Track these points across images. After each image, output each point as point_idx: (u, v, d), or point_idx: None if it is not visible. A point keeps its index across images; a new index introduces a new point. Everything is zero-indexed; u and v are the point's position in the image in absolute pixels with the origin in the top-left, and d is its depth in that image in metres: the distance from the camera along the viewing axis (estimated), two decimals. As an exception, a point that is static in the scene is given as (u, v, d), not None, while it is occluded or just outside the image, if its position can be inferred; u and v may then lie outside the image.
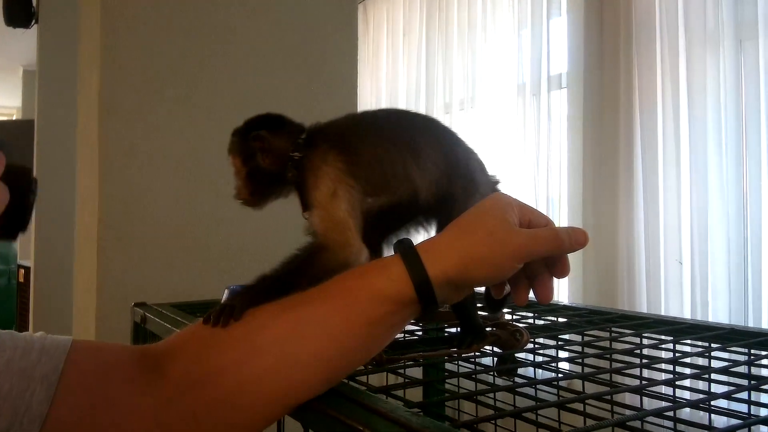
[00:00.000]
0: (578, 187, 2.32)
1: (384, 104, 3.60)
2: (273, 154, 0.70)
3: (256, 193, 0.75)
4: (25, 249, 4.99)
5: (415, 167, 0.69)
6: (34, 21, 3.67)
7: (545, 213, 2.19)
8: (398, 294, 0.54)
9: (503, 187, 0.80)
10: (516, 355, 0.74)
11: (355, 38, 1.87)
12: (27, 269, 4.13)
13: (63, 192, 3.35)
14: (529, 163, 2.55)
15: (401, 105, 3.45)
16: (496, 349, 0.74)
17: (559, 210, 2.44)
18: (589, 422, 0.50)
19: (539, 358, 0.74)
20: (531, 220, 0.58)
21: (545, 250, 0.56)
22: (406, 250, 0.56)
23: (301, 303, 0.56)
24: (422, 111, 3.23)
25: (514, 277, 0.58)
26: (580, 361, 0.75)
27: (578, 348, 0.81)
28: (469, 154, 0.77)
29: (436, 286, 0.54)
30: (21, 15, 3.63)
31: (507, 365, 0.72)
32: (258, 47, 1.73)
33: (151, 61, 1.61)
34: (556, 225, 0.60)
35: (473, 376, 0.64)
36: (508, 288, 0.61)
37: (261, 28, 1.73)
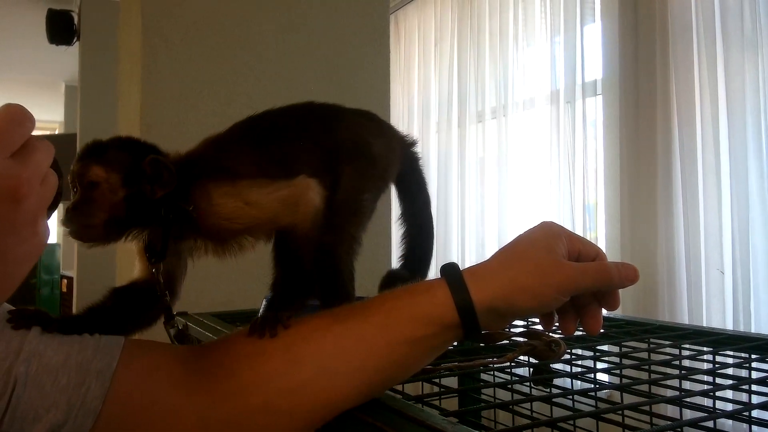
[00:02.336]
0: (615, 195, 2.29)
1: (416, 114, 3.61)
2: (160, 186, 0.62)
3: (113, 225, 0.62)
4: (67, 260, 5.14)
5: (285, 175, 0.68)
6: (75, 38, 3.81)
7: (582, 221, 2.15)
8: (441, 317, 0.54)
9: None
10: (552, 365, 0.73)
11: (387, 50, 1.89)
12: (70, 279, 4.25)
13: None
14: (564, 171, 2.53)
15: (433, 114, 3.46)
16: (531, 359, 0.74)
17: (597, 218, 2.41)
18: (627, 433, 0.50)
19: (576, 369, 0.73)
20: (580, 251, 0.58)
21: (593, 285, 0.56)
22: (452, 274, 0.56)
23: (344, 318, 0.57)
24: (454, 120, 3.24)
25: (561, 306, 0.58)
26: (617, 372, 0.75)
27: (616, 359, 0.81)
28: (355, 123, 0.75)
29: (480, 312, 0.54)
30: (63, 33, 3.77)
31: (543, 375, 0.71)
32: (290, 61, 1.76)
33: (188, 76, 1.65)
34: (604, 251, 0.60)
35: (509, 386, 0.64)
36: (556, 317, 0.60)
37: (293, 42, 1.76)
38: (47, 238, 0.48)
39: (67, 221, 0.61)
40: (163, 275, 0.65)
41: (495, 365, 0.73)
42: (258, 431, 0.56)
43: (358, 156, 0.72)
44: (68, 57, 4.11)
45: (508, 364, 0.73)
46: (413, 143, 0.80)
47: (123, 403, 0.54)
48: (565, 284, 0.54)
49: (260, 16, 1.75)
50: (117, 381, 0.54)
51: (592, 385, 0.67)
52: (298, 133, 0.73)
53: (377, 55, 1.87)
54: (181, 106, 1.63)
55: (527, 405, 0.62)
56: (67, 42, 3.79)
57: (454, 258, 3.20)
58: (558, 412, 0.59)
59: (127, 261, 1.70)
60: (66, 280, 4.64)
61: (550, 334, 0.78)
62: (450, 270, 0.56)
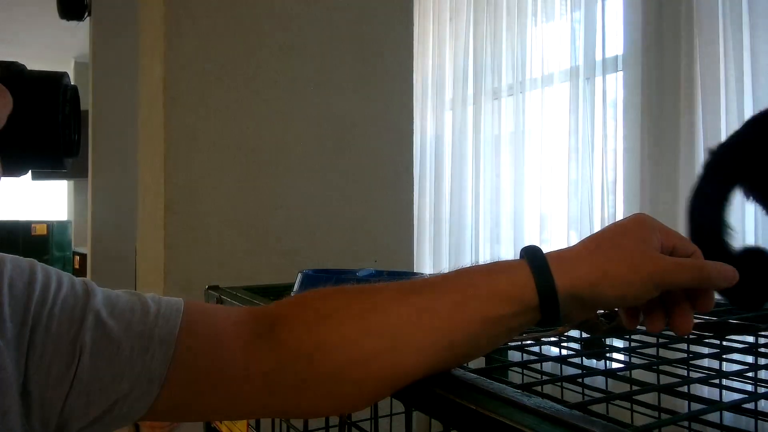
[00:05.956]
0: (635, 175, 2.27)
1: (430, 91, 3.57)
2: None
3: None
4: (79, 237, 5.15)
5: None
6: (87, 14, 3.76)
7: (600, 201, 2.12)
8: (520, 298, 0.52)
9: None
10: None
11: (411, 24, 1.86)
12: (83, 256, 4.26)
13: (120, 180, 3.44)
14: (583, 149, 2.50)
15: (447, 91, 3.43)
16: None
17: (615, 198, 2.39)
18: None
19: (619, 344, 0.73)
20: (675, 246, 0.55)
21: (688, 281, 0.52)
22: (534, 255, 0.53)
23: (421, 290, 0.56)
24: (469, 97, 3.21)
25: (649, 303, 0.55)
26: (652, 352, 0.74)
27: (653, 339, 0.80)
28: None
29: (562, 297, 0.52)
30: (75, 8, 3.73)
31: (594, 349, 0.71)
32: (315, 35, 1.74)
33: (212, 49, 1.63)
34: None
35: (570, 359, 0.64)
36: (641, 317, 0.57)
37: (319, 16, 1.74)
38: None
39: None
40: None
41: (545, 338, 0.72)
42: (325, 398, 0.55)
43: None
44: (79, 33, 4.07)
45: (559, 337, 0.73)
46: None
47: (188, 369, 0.54)
48: (658, 276, 0.51)
49: (284, -11, 1.72)
50: (181, 347, 0.54)
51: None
52: None
53: (401, 30, 1.85)
54: (205, 80, 1.62)
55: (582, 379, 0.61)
56: (78, 17, 3.75)
57: (468, 239, 3.19)
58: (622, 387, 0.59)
59: (152, 235, 1.70)
60: (78, 257, 4.65)
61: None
62: (532, 252, 0.54)
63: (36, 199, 6.09)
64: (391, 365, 0.53)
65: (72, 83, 0.41)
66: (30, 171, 0.40)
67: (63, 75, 0.40)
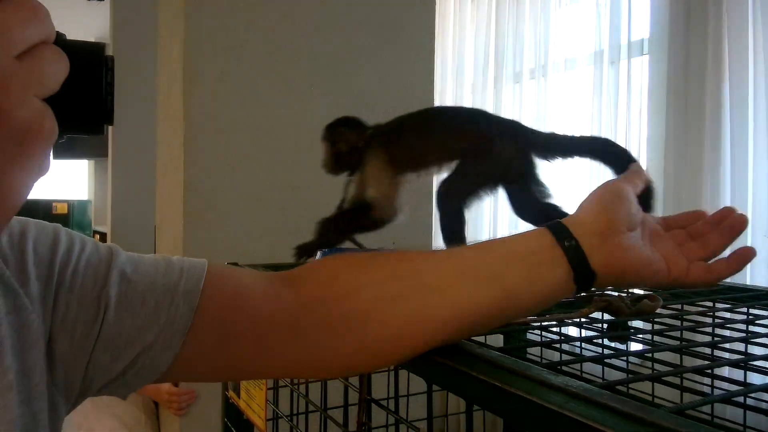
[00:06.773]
0: (659, 161, 2.23)
1: (449, 74, 3.53)
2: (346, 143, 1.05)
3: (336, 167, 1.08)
4: (99, 216, 5.21)
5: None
6: (108, -7, 3.78)
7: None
8: (537, 235, 0.55)
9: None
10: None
11: (432, 3, 1.84)
12: (103, 235, 4.30)
13: (140, 160, 3.46)
14: (606, 133, 2.47)
15: (468, 74, 3.39)
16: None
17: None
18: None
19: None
20: None
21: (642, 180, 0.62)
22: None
23: (446, 252, 0.60)
24: (490, 80, 3.17)
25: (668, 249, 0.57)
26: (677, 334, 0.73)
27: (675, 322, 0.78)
28: None
29: (576, 225, 0.55)
30: (95, -13, 3.74)
31: (619, 332, 0.70)
32: (336, 14, 1.72)
33: (231, 29, 1.62)
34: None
35: (594, 340, 0.63)
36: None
37: (339, -6, 1.72)
38: (45, 142, 0.32)
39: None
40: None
41: (568, 320, 0.71)
42: (351, 340, 0.55)
43: None
44: (99, 12, 4.09)
45: (583, 318, 0.71)
46: None
47: (212, 320, 0.54)
48: (615, 183, 0.59)
49: (304, -33, 1.70)
50: (206, 298, 0.54)
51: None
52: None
53: (423, 11, 1.83)
54: (224, 58, 1.61)
55: (614, 361, 0.60)
56: (99, -4, 3.77)
57: (486, 226, 3.17)
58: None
59: (171, 214, 1.70)
60: (98, 236, 4.70)
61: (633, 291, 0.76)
62: None
63: (57, 178, 6.17)
64: (417, 306, 0.54)
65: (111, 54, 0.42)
66: (67, 137, 0.40)
67: (104, 45, 0.41)
